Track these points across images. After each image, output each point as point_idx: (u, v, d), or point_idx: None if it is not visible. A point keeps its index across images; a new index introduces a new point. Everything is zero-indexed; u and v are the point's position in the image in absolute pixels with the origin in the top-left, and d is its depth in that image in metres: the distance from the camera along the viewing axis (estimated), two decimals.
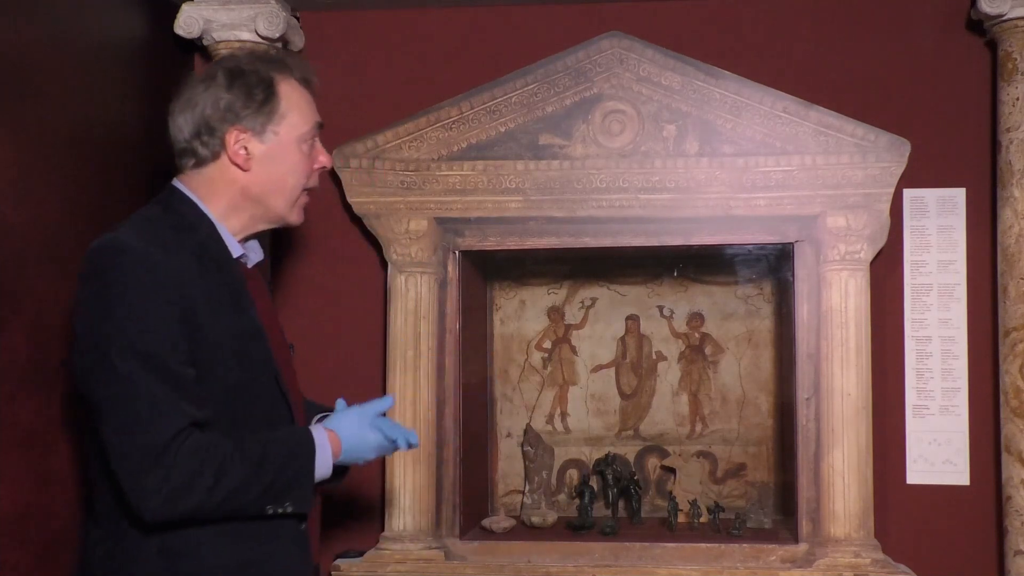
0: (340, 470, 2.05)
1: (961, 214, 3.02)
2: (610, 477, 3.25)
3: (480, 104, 2.99)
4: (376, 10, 3.18)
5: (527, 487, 3.38)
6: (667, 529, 3.11)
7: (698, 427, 3.40)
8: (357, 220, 3.09)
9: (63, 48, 2.46)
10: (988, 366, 2.98)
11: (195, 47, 3.07)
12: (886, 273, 3.02)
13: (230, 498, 1.82)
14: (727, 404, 3.39)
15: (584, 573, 2.89)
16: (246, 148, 1.97)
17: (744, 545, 2.93)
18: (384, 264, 3.07)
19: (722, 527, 3.09)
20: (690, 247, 3.03)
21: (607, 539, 3.00)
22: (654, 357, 3.43)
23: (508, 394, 3.46)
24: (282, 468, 1.88)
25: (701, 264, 3.37)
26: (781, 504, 3.23)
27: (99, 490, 1.89)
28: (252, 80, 1.98)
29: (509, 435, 3.45)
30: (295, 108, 2.01)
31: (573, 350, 3.46)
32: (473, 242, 3.05)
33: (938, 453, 3.01)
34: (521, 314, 3.46)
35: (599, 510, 3.26)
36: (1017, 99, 2.82)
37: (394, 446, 2.05)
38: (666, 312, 3.42)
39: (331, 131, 3.02)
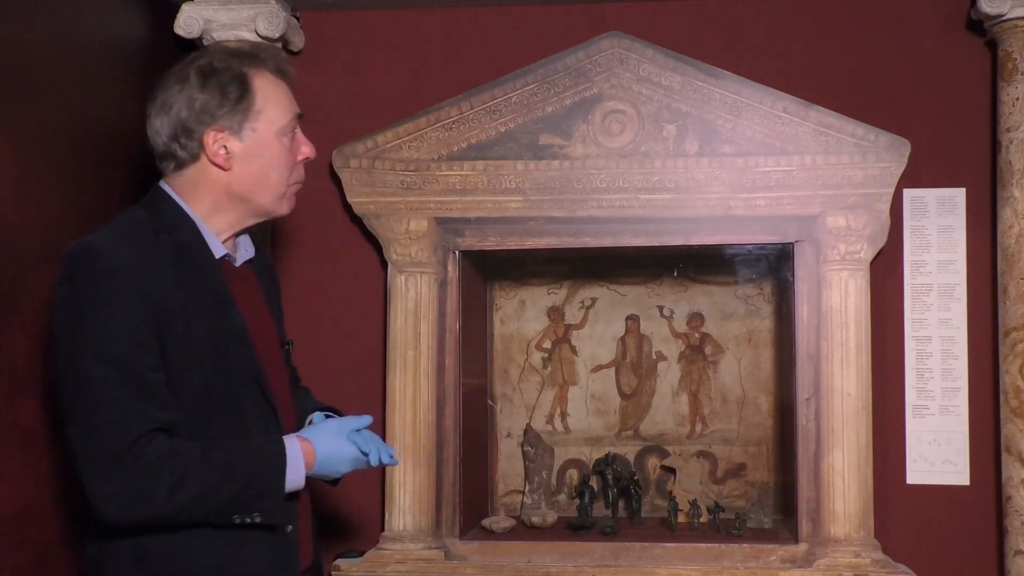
0: None
1: (961, 214, 3.02)
2: (610, 477, 3.24)
3: (480, 104, 2.99)
4: (376, 10, 3.18)
5: (527, 487, 3.38)
6: (667, 529, 3.11)
7: (698, 427, 3.40)
8: (357, 220, 3.09)
9: (63, 48, 2.46)
10: (988, 366, 2.98)
11: (195, 47, 3.06)
12: (886, 273, 3.02)
13: (191, 505, 1.80)
14: (727, 404, 3.39)
15: (584, 573, 2.89)
16: (225, 147, 1.95)
17: (744, 545, 2.93)
18: (384, 264, 3.07)
19: (722, 527, 3.09)
20: (690, 247, 3.03)
21: (607, 539, 3.00)
22: (654, 357, 3.43)
23: (508, 394, 3.46)
24: (250, 478, 1.85)
25: (701, 264, 3.37)
26: (781, 504, 3.23)
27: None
28: (225, 78, 1.95)
29: (509, 435, 3.45)
30: (271, 101, 1.98)
31: (573, 350, 3.46)
32: (473, 242, 3.05)
33: (938, 453, 3.00)
34: (521, 314, 3.46)
35: (599, 510, 3.26)
36: (1017, 99, 2.82)
37: (367, 460, 2.00)
38: (666, 312, 3.42)
39: (331, 131, 3.06)
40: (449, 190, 3.01)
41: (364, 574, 2.94)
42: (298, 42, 3.15)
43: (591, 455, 3.41)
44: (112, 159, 2.64)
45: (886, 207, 2.90)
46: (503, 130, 3.00)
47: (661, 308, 3.42)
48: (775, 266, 3.31)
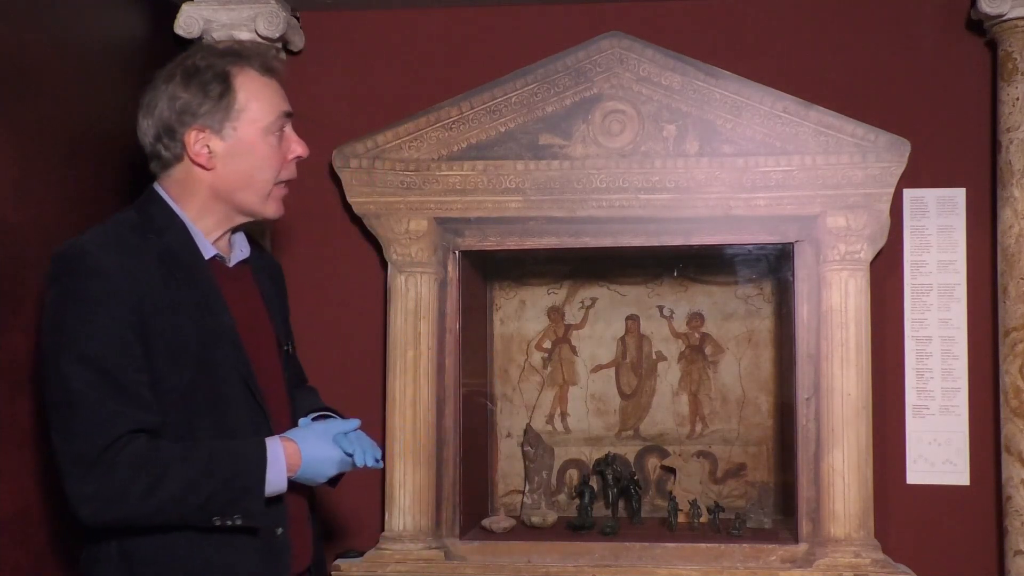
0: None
1: (961, 214, 3.02)
2: (610, 477, 3.24)
3: (480, 104, 2.99)
4: (376, 10, 3.18)
5: (527, 487, 3.38)
6: (667, 529, 3.10)
7: (698, 427, 3.40)
8: (357, 220, 3.09)
9: (63, 48, 2.46)
10: (988, 366, 2.98)
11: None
12: (886, 273, 3.02)
13: (168, 507, 1.79)
14: (727, 404, 3.39)
15: (584, 573, 2.89)
16: (208, 147, 1.94)
17: (744, 545, 2.93)
18: (384, 264, 3.07)
19: (722, 527, 3.09)
20: (690, 247, 3.03)
21: (607, 539, 3.00)
22: (654, 357, 3.43)
23: (508, 394, 3.46)
24: (229, 480, 1.82)
25: (701, 264, 3.36)
26: (781, 504, 3.23)
27: None
28: (207, 76, 1.93)
29: (509, 435, 3.45)
30: (255, 99, 1.96)
31: (573, 350, 3.46)
32: (473, 242, 3.05)
33: (938, 453, 3.01)
34: (521, 314, 3.46)
35: (599, 510, 3.26)
36: (1017, 99, 2.82)
37: (352, 461, 1.98)
38: (666, 312, 3.42)
39: (331, 131, 3.06)
40: (449, 190, 3.01)
41: (364, 574, 2.94)
42: (298, 42, 3.15)
43: (591, 455, 3.41)
44: (112, 159, 2.64)
45: (886, 207, 2.90)
46: (503, 130, 3.00)
47: (661, 308, 3.42)
48: (775, 266, 3.31)
